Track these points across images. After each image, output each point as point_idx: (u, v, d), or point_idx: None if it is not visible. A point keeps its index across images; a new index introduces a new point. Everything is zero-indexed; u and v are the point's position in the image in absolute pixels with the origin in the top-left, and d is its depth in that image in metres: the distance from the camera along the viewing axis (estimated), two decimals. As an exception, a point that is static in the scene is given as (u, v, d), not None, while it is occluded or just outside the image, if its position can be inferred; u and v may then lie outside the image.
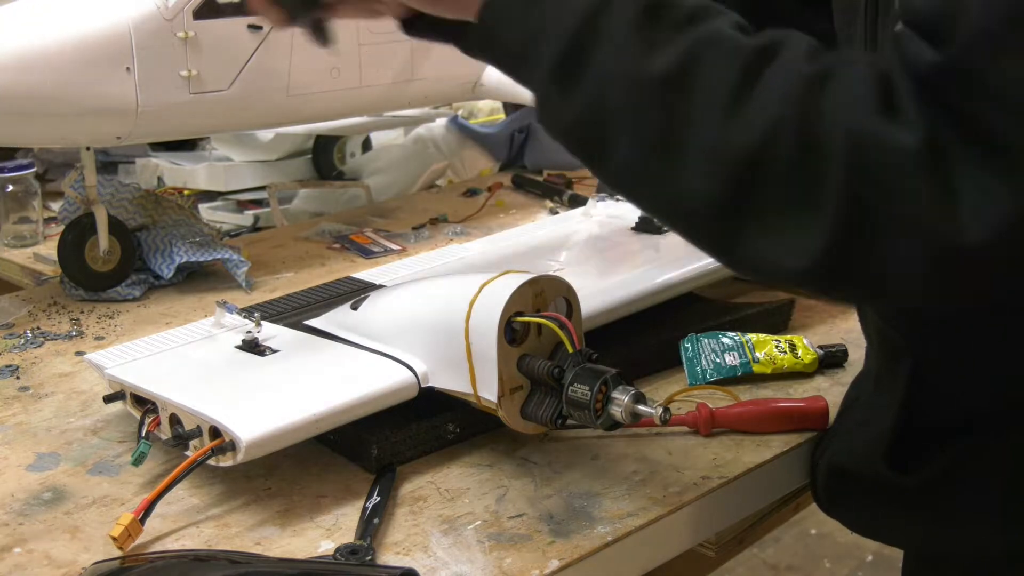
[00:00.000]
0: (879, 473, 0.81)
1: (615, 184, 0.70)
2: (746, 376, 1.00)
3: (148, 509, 0.77)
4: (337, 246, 1.43)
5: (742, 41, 0.63)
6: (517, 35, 0.70)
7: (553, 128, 0.69)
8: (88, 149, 1.23)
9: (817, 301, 1.18)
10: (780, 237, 0.61)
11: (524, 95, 1.70)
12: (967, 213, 0.57)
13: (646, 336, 1.04)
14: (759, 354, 1.00)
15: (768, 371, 1.00)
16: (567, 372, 0.81)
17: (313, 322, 0.99)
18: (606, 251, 1.19)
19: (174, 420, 0.85)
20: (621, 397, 0.79)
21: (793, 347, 1.01)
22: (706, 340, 1.02)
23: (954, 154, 0.57)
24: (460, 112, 2.02)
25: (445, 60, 1.46)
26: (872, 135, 0.58)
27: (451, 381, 0.86)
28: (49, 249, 1.44)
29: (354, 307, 0.97)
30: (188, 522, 0.80)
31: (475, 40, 0.73)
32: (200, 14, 1.20)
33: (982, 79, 0.56)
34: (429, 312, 0.89)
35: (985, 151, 0.57)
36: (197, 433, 0.82)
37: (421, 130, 1.88)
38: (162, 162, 1.78)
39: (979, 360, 0.75)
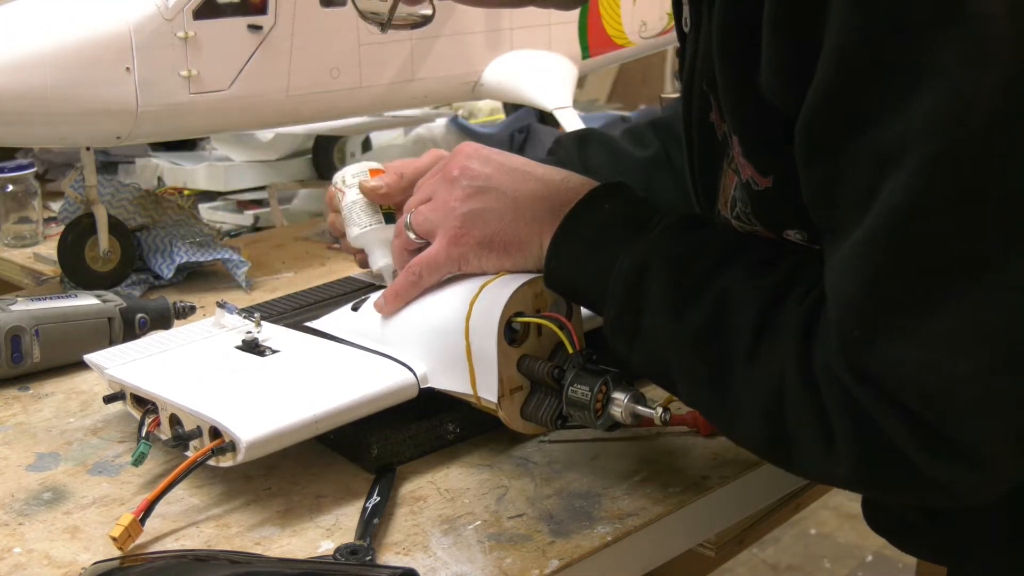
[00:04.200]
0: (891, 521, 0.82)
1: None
2: (746, 376, 1.00)
3: (148, 509, 0.77)
4: (337, 246, 1.43)
5: (752, 295, 0.71)
6: (582, 295, 0.82)
7: (629, 364, 0.78)
8: (88, 149, 1.23)
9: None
10: (816, 463, 0.68)
11: (523, 96, 1.71)
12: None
13: (646, 336, 1.04)
14: (759, 354, 1.00)
15: (768, 371, 1.00)
16: (567, 373, 0.81)
17: (313, 323, 0.99)
18: (606, 251, 1.19)
19: (174, 420, 0.85)
20: (621, 398, 0.79)
21: (793, 347, 1.01)
22: (706, 340, 1.02)
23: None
24: (460, 112, 2.02)
25: (445, 60, 1.46)
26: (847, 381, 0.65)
27: (451, 382, 0.86)
28: (49, 249, 1.44)
29: (354, 308, 0.97)
30: (188, 522, 0.80)
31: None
32: (200, 14, 1.20)
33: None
34: (429, 312, 0.89)
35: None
36: (197, 433, 0.82)
37: (421, 130, 1.88)
38: (162, 162, 1.78)
39: None
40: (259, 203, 1.72)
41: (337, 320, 0.98)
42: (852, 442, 0.65)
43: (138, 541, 0.77)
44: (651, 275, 0.75)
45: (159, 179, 1.78)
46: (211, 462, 0.80)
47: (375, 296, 0.95)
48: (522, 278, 0.84)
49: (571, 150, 1.10)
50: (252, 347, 0.94)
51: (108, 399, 0.91)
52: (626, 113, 2.06)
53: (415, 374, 0.87)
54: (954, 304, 0.59)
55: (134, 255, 1.29)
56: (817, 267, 0.69)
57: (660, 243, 0.76)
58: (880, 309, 0.62)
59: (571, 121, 1.50)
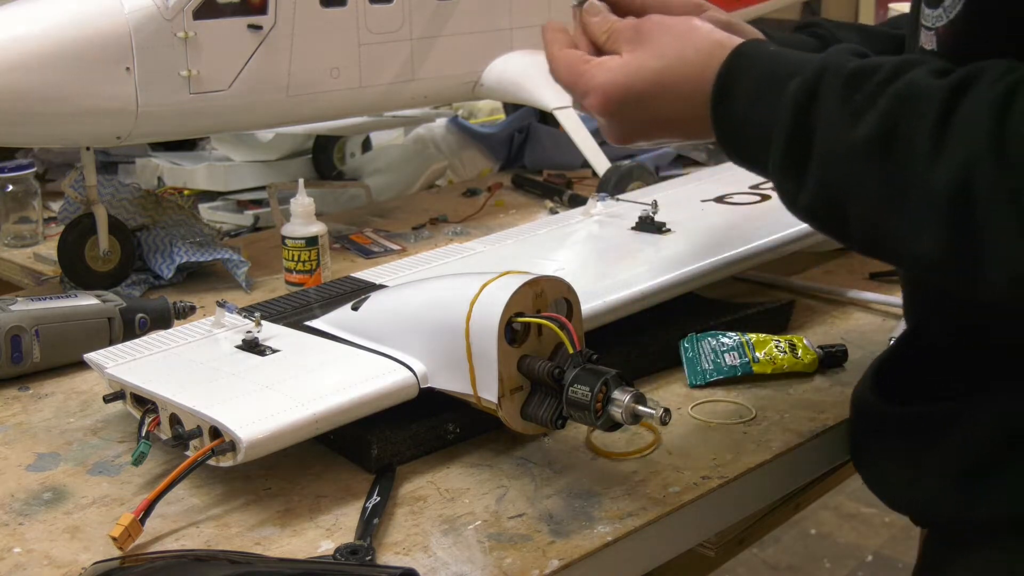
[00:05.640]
0: (867, 401, 0.84)
1: (862, 251, 0.75)
2: (746, 376, 1.00)
3: (148, 509, 0.77)
4: (337, 246, 1.43)
5: (935, 87, 0.65)
6: (747, 146, 0.75)
7: (795, 212, 0.74)
8: (88, 149, 1.23)
9: (817, 301, 1.18)
10: (1010, 250, 0.62)
11: (524, 96, 1.70)
12: None
13: (646, 336, 1.04)
14: (759, 354, 1.00)
15: (768, 371, 1.00)
16: (567, 373, 0.81)
17: (313, 322, 0.99)
18: (606, 251, 1.19)
19: (174, 420, 0.85)
20: (621, 398, 0.79)
21: (793, 347, 1.02)
22: (706, 340, 1.02)
23: None
24: (460, 112, 2.02)
25: (445, 60, 1.46)
26: None
27: (451, 381, 0.86)
28: (49, 249, 1.44)
29: (354, 307, 0.97)
30: (188, 522, 0.80)
31: (722, 150, 0.79)
32: (200, 14, 1.20)
33: None
34: (429, 312, 0.89)
35: None
36: (197, 433, 0.82)
37: (421, 130, 1.88)
38: (162, 162, 1.78)
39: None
40: (259, 203, 1.72)
41: (337, 319, 0.98)
42: None
43: (138, 541, 0.77)
44: (822, 94, 0.69)
45: (159, 179, 1.78)
46: (211, 462, 0.80)
47: (375, 296, 0.95)
48: (522, 278, 0.84)
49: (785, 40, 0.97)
50: (252, 347, 0.94)
51: (108, 399, 0.91)
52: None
53: (415, 374, 0.87)
54: None
55: (134, 255, 1.29)
56: (1011, 62, 0.64)
57: (829, 64, 0.70)
58: None
59: (571, 121, 1.50)
